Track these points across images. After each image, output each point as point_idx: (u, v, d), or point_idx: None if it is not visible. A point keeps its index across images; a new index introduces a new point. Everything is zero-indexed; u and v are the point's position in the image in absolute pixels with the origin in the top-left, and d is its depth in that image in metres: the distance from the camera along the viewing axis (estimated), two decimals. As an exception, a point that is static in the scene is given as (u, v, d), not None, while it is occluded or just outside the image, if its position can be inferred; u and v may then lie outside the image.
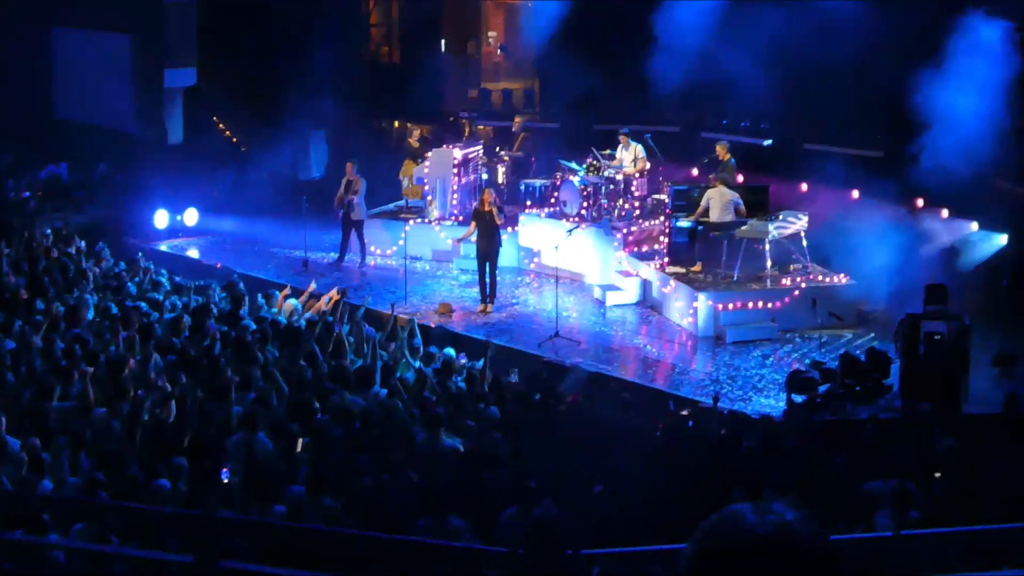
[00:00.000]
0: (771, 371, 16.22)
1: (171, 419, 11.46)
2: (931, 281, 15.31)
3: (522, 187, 22.10)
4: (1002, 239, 18.87)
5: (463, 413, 12.08)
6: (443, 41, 29.69)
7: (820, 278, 18.54)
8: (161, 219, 23.33)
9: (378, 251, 22.16)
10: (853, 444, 11.98)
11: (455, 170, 22.36)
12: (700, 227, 18.90)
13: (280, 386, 12.48)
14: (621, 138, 21.73)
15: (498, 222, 18.80)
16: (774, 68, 20.69)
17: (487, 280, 18.94)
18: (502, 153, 23.85)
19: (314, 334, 14.44)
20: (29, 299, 15.35)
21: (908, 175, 18.47)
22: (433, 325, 17.74)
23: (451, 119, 27.26)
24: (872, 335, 17.36)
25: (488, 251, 18.84)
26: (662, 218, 19.99)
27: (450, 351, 14.69)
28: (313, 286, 17.43)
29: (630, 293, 19.56)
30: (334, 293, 16.58)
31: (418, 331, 15.59)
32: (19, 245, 18.18)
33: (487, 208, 18.78)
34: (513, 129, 23.88)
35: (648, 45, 22.08)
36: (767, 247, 18.36)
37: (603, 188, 20.79)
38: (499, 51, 31.61)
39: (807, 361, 15.99)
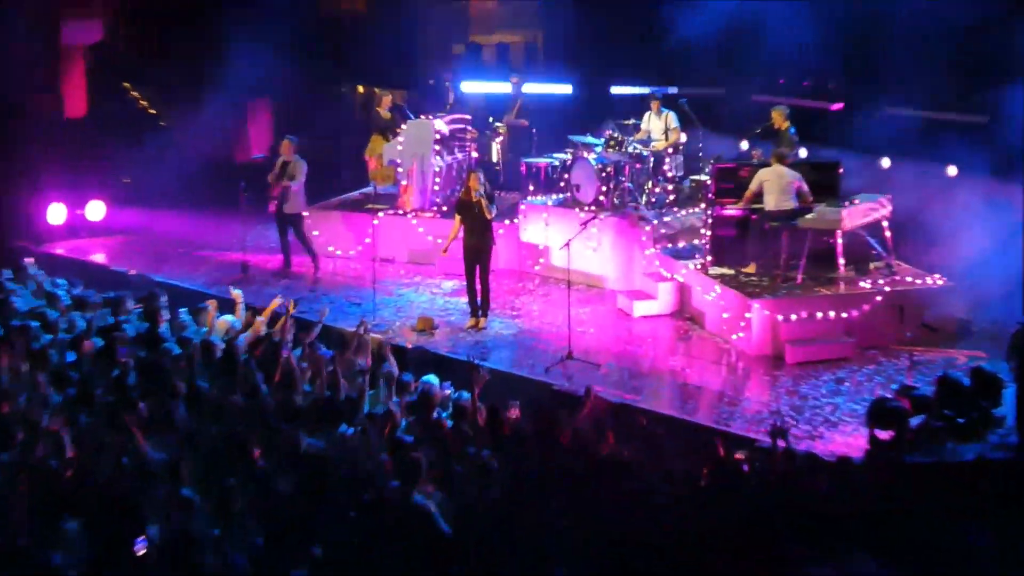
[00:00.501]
0: (847, 400, 16.12)
1: (69, 471, 11.30)
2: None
3: (523, 167, 22.02)
4: None
5: (448, 458, 11.93)
6: (419, -16, 29.63)
7: (908, 279, 18.45)
8: (57, 214, 23.22)
9: (338, 252, 22.07)
10: (955, 492, 11.85)
11: (436, 147, 22.28)
12: (753, 216, 18.79)
13: (212, 426, 12.34)
14: (652, 104, 21.67)
15: (488, 216, 18.63)
16: (843, 12, 20.58)
17: (477, 287, 18.82)
18: (496, 124, 23.76)
19: (256, 359, 14.32)
20: None
21: (1021, 147, 18.38)
22: (410, 346, 17.71)
23: (431, 82, 27.15)
24: (978, 352, 17.23)
25: (478, 251, 18.73)
26: (703, 205, 19.88)
27: (432, 378, 14.56)
28: (236, 294, 17.16)
29: (663, 302, 19.48)
30: (276, 302, 16.44)
31: (390, 354, 15.49)
32: None
33: (474, 198, 18.63)
34: (511, 90, 23.73)
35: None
36: (839, 240, 18.26)
37: (627, 168, 20.74)
38: (491, -5, 31.54)
39: (894, 387, 15.84)
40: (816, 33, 20.97)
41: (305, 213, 21.60)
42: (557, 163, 21.83)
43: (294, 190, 21.12)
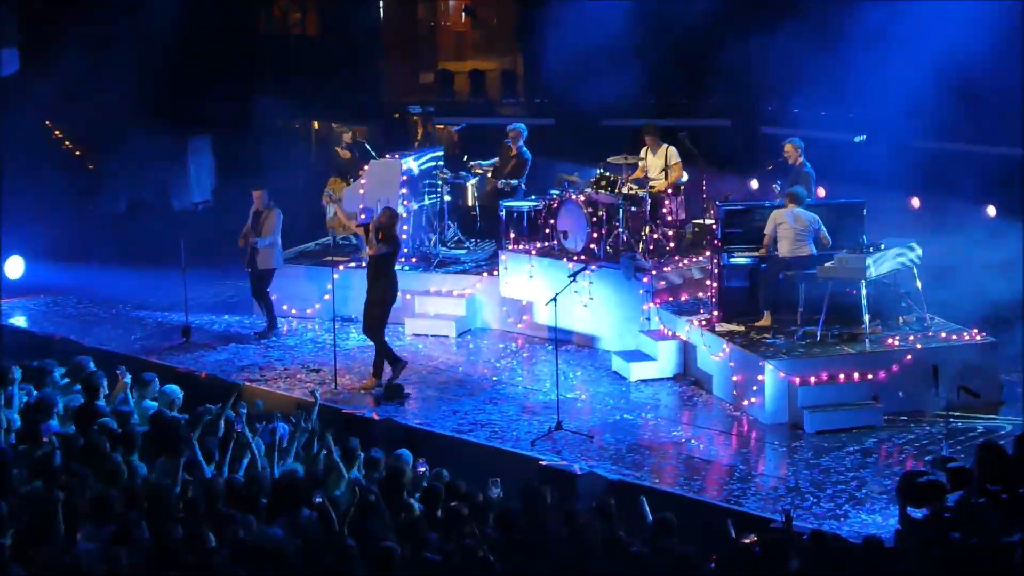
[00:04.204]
0: (875, 474, 16.16)
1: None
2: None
3: (503, 212, 22.03)
4: None
5: (420, 545, 11.95)
6: (381, 4, 29.77)
7: (944, 335, 18.55)
8: (-33, 273, 23.26)
9: (294, 311, 22.10)
10: (1000, 577, 11.93)
11: (403, 190, 22.31)
12: (765, 265, 18.91)
13: (152, 514, 12.35)
14: (647, 138, 21.70)
15: (370, 251, 19.00)
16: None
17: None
18: (471, 164, 23.58)
19: (202, 435, 14.32)
20: None
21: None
22: (376, 417, 17.72)
23: (396, 116, 27.26)
24: None
25: (370, 303, 19.12)
26: (709, 253, 19.97)
27: (405, 454, 14.58)
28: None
29: (664, 363, 19.58)
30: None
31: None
32: None
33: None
34: (509, 144, 23.03)
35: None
36: (864, 291, 18.36)
37: (621, 211, 20.77)
38: (463, 16, 31.70)
39: (928, 458, 15.93)
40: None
41: (278, 268, 21.56)
42: (541, 206, 21.84)
43: (262, 244, 21.06)
